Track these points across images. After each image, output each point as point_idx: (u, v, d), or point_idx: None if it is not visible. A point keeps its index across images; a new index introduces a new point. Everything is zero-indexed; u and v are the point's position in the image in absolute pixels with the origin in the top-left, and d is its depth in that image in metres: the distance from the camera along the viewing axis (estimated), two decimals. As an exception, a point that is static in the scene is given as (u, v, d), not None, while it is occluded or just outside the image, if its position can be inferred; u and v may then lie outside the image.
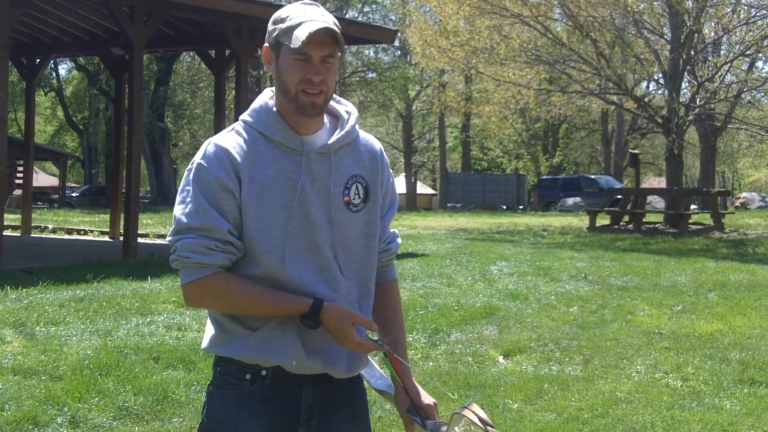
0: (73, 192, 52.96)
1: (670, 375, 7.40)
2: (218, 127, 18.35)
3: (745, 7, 24.57)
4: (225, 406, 2.68)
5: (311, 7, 2.61)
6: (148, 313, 9.03)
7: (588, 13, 23.71)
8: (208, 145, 2.62)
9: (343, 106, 2.78)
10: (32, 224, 20.86)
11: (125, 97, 17.89)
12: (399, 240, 2.92)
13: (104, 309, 9.11)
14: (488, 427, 2.51)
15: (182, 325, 8.50)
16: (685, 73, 24.95)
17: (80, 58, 43.29)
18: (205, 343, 2.74)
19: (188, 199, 2.57)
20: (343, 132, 2.70)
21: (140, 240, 15.66)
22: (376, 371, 2.87)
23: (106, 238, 19.65)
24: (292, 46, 2.52)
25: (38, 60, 20.68)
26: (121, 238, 15.84)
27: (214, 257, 2.54)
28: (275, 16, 2.63)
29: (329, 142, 2.67)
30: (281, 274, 2.58)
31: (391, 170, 2.86)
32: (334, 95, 2.71)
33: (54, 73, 57.31)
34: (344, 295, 2.65)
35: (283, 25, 2.58)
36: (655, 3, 25.93)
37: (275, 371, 2.64)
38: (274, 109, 2.65)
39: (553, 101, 26.66)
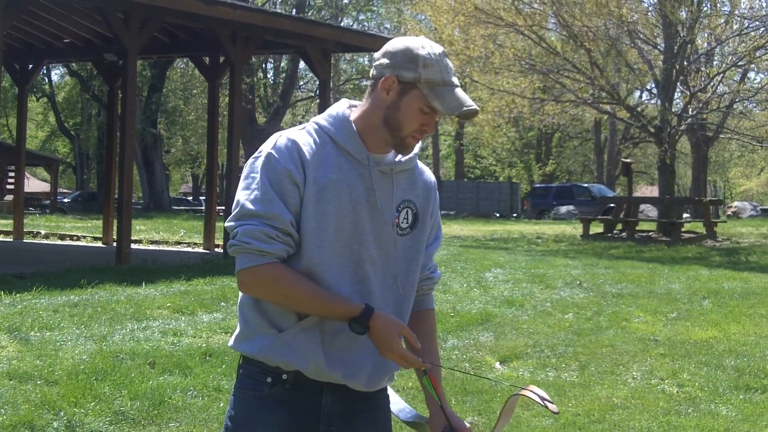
0: (64, 198, 52.87)
1: (666, 381, 7.41)
2: (211, 134, 18.35)
3: (738, 19, 24.65)
4: (245, 407, 2.70)
5: (445, 59, 2.63)
6: (143, 319, 9.00)
7: (582, 23, 23.76)
8: (280, 137, 2.63)
9: None
10: (24, 230, 20.81)
11: (118, 103, 17.88)
12: (440, 272, 2.97)
13: (99, 314, 9.08)
14: (547, 402, 2.56)
15: (178, 330, 8.48)
16: (678, 83, 25.02)
17: (73, 64, 43.21)
18: (231, 341, 2.76)
19: (254, 186, 2.58)
20: (407, 157, 2.73)
21: (133, 246, 15.63)
22: (402, 404, 2.89)
23: (99, 244, 19.60)
24: (442, 109, 2.58)
25: (31, 65, 20.65)
26: (114, 244, 15.80)
27: (275, 246, 2.54)
28: (407, 49, 2.62)
29: (396, 160, 2.70)
30: (319, 276, 2.59)
31: (437, 199, 2.90)
32: None
33: (46, 79, 57.18)
34: (380, 306, 2.66)
35: (427, 75, 2.58)
36: (649, 13, 26.04)
37: (296, 375, 2.65)
38: (351, 119, 2.68)
39: (546, 110, 26.70)
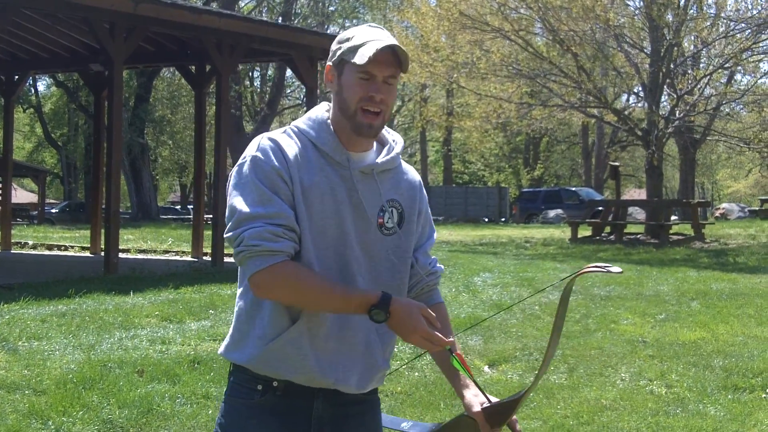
0: (52, 208, 52.70)
1: (655, 382, 7.43)
2: (199, 143, 18.34)
3: (724, 21, 24.73)
4: (235, 415, 2.69)
5: (377, 29, 2.66)
6: (131, 327, 8.99)
7: (569, 27, 23.82)
8: (262, 139, 2.63)
9: (391, 135, 2.82)
10: (12, 240, 20.75)
11: (105, 113, 17.84)
12: (442, 266, 2.95)
13: (87, 324, 9.06)
14: (608, 268, 2.59)
15: (166, 338, 8.46)
16: (665, 86, 25.09)
17: (59, 75, 43.12)
18: (221, 349, 2.75)
19: (247, 190, 2.56)
20: (389, 156, 2.73)
21: (121, 255, 15.60)
22: (408, 422, 2.88)
23: (87, 254, 19.55)
24: (357, 62, 2.56)
25: (17, 76, 20.60)
26: (102, 254, 15.76)
27: (284, 244, 2.52)
28: (340, 36, 2.68)
29: (377, 161, 2.71)
30: None
31: (425, 198, 2.89)
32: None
33: (33, 90, 57.07)
34: None
35: (349, 44, 2.62)
36: (636, 17, 26.10)
37: (287, 383, 2.65)
38: (329, 121, 2.69)
39: (534, 115, 26.74)
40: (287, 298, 2.57)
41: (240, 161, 2.63)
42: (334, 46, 2.67)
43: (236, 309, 2.71)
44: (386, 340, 2.73)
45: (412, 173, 2.85)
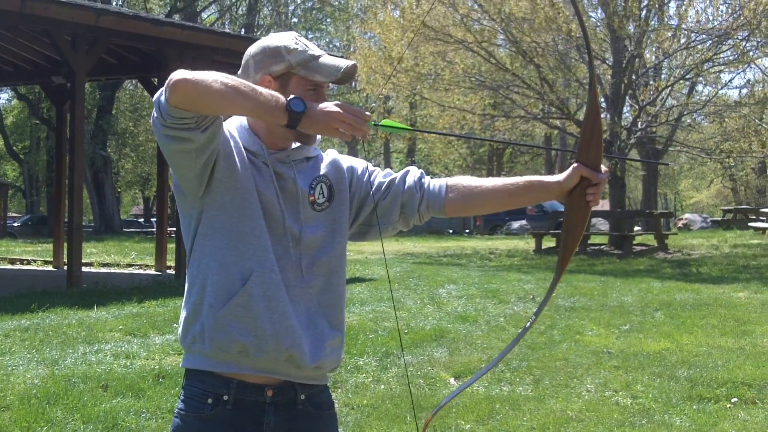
0: (14, 222, 52.21)
1: (620, 393, 7.46)
2: (161, 155, 18.16)
3: (686, 32, 24.94)
4: (186, 429, 2.68)
5: (300, 38, 2.74)
6: (95, 342, 8.91)
7: (531, 39, 23.95)
8: None
9: None
10: (-27, 255, 20.55)
11: (67, 125, 17.72)
12: (412, 168, 2.92)
13: (50, 338, 8.97)
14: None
15: (130, 353, 8.40)
16: (627, 97, 25.26)
17: (21, 87, 42.78)
18: (179, 331, 2.75)
19: None
20: (301, 146, 2.77)
21: (84, 269, 15.46)
22: None
23: (50, 268, 19.36)
24: (326, 78, 2.65)
25: (-22, 89, 20.43)
26: (65, 268, 15.63)
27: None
28: (268, 47, 2.71)
29: (292, 147, 2.76)
30: (245, 245, 2.63)
31: (355, 160, 2.92)
32: None
33: (-6, 103, 56.63)
34: (305, 282, 2.69)
35: (295, 58, 2.67)
36: (597, 28, 26.27)
37: (237, 396, 2.64)
38: (245, 124, 2.75)
39: (497, 126, 26.82)
40: (203, 102, 2.43)
41: None
42: (268, 58, 2.69)
43: (186, 285, 2.73)
44: (328, 311, 2.74)
45: (335, 156, 2.88)
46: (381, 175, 2.89)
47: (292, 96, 2.51)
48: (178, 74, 2.41)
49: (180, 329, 2.73)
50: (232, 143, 2.65)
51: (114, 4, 38.72)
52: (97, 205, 41.69)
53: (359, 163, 2.90)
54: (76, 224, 14.57)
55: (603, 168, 2.74)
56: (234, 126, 2.73)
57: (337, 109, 2.53)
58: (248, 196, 2.63)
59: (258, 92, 2.46)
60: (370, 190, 2.85)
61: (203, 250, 2.66)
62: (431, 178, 2.91)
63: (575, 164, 2.75)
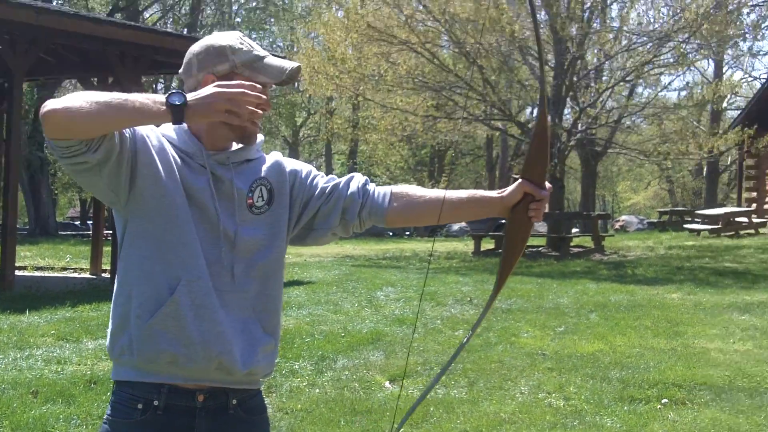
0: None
1: (553, 395, 7.52)
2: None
3: (627, 34, 25.22)
4: None
5: (245, 38, 2.73)
6: (27, 347, 8.79)
7: (475, 40, 24.03)
8: None
9: None
10: None
11: (3, 126, 17.45)
12: (357, 174, 2.93)
13: (-20, 343, 8.84)
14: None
15: (62, 358, 8.29)
16: (568, 99, 25.48)
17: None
18: (107, 345, 2.71)
19: None
20: (242, 147, 2.74)
21: (18, 273, 15.24)
22: None
23: (-17, 271, 19.04)
24: (271, 80, 2.65)
25: None
26: (-1, 271, 15.38)
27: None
28: (213, 46, 2.69)
29: (231, 149, 2.73)
30: (174, 257, 2.59)
31: (299, 163, 2.90)
32: None
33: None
34: (239, 286, 2.66)
35: (240, 58, 2.66)
36: (541, 29, 26.45)
37: (168, 401, 2.61)
38: (184, 126, 2.68)
39: (439, 127, 26.88)
40: (79, 119, 2.35)
41: None
42: (204, 56, 2.68)
43: (113, 295, 2.69)
44: (263, 316, 2.71)
45: (277, 157, 2.86)
46: (324, 180, 2.87)
47: (171, 91, 2.42)
48: (45, 106, 2.35)
49: (108, 341, 2.70)
50: (154, 150, 2.60)
51: (54, 3, 38.25)
52: (33, 208, 41.10)
53: (303, 167, 2.88)
54: (10, 227, 14.36)
55: (547, 185, 2.76)
56: (170, 129, 2.69)
57: (215, 89, 2.44)
58: (175, 202, 2.59)
59: (131, 100, 2.38)
60: (313, 194, 2.83)
61: (130, 260, 2.63)
62: (376, 185, 2.91)
63: (520, 180, 2.76)
